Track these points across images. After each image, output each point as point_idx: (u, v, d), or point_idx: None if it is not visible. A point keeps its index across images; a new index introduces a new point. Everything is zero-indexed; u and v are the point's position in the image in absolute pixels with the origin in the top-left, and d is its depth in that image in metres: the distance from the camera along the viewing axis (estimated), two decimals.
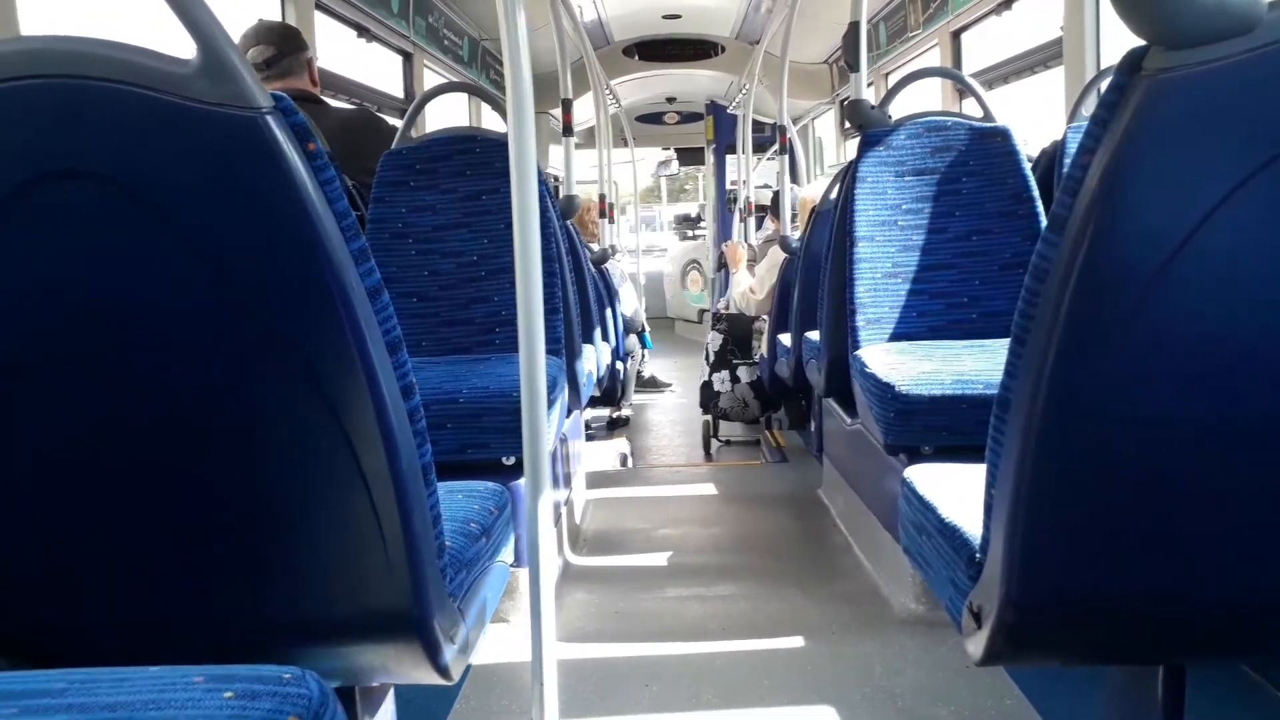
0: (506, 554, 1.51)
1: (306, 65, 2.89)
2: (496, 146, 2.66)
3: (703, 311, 9.53)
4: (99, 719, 0.72)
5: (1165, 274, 0.94)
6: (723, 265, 6.02)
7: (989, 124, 2.66)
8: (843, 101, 6.97)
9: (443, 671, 1.16)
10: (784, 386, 4.15)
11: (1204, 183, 0.92)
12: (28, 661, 1.07)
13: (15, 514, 1.02)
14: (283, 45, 2.83)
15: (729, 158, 9.38)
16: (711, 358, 4.90)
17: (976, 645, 1.20)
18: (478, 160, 2.67)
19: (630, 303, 5.54)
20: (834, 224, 2.80)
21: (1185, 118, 0.91)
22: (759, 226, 6.32)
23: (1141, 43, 0.92)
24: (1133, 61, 0.92)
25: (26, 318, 0.96)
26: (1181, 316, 0.96)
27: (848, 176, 2.72)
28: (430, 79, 4.94)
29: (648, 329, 6.60)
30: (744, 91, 6.84)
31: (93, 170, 0.92)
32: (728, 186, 9.42)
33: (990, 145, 2.61)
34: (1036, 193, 2.59)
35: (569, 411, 2.92)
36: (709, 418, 4.86)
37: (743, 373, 4.81)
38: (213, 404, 1.00)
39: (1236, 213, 0.92)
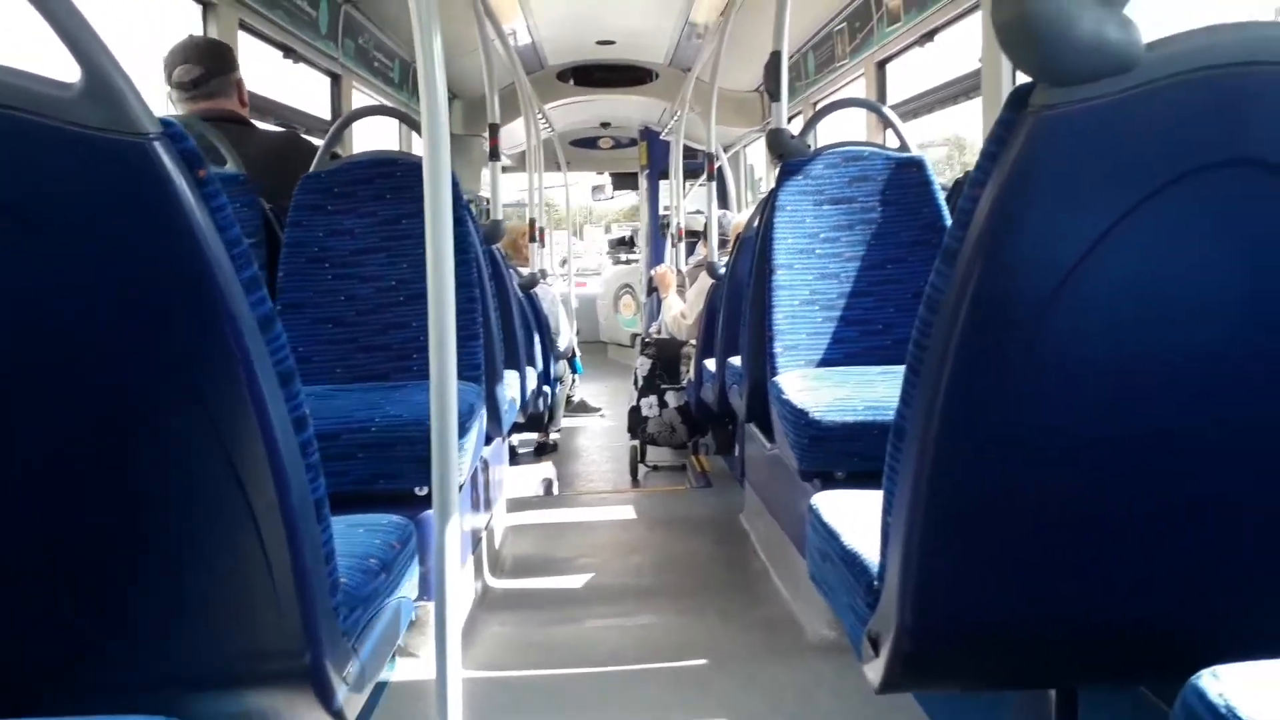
0: (410, 588, 1.48)
1: (236, 86, 2.84)
2: (417, 170, 2.62)
3: (635, 336, 9.53)
4: None
5: (1053, 303, 0.97)
6: (653, 289, 6.04)
7: (905, 154, 2.71)
8: (767, 130, 7.05)
9: (336, 715, 1.13)
10: (710, 412, 4.17)
11: (1088, 215, 0.95)
12: None
13: None
14: (210, 65, 2.78)
15: (662, 183, 9.44)
16: (640, 382, 4.91)
17: (875, 672, 1.21)
18: (398, 184, 2.65)
19: (560, 327, 5.53)
20: (755, 251, 2.83)
21: (1069, 152, 0.94)
22: (690, 252, 6.36)
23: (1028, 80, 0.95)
24: (1019, 97, 0.95)
25: None
26: (1069, 344, 0.99)
27: (768, 205, 2.75)
28: (360, 100, 4.89)
29: (579, 354, 6.58)
30: (675, 118, 6.89)
31: None
32: (660, 212, 9.47)
33: (906, 175, 2.67)
34: (950, 222, 2.64)
35: (489, 439, 2.90)
36: (636, 443, 4.86)
37: (670, 398, 4.82)
38: (96, 435, 0.97)
39: (1120, 244, 0.95)
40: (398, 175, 2.65)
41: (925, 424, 1.04)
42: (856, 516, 1.42)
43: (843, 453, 2.19)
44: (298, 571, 1.02)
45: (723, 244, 4.75)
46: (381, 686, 2.07)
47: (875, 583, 1.21)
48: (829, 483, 2.21)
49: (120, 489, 0.99)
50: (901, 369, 2.51)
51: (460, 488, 1.65)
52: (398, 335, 2.61)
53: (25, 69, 0.91)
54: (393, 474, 2.15)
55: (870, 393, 2.24)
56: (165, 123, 0.92)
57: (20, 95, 0.88)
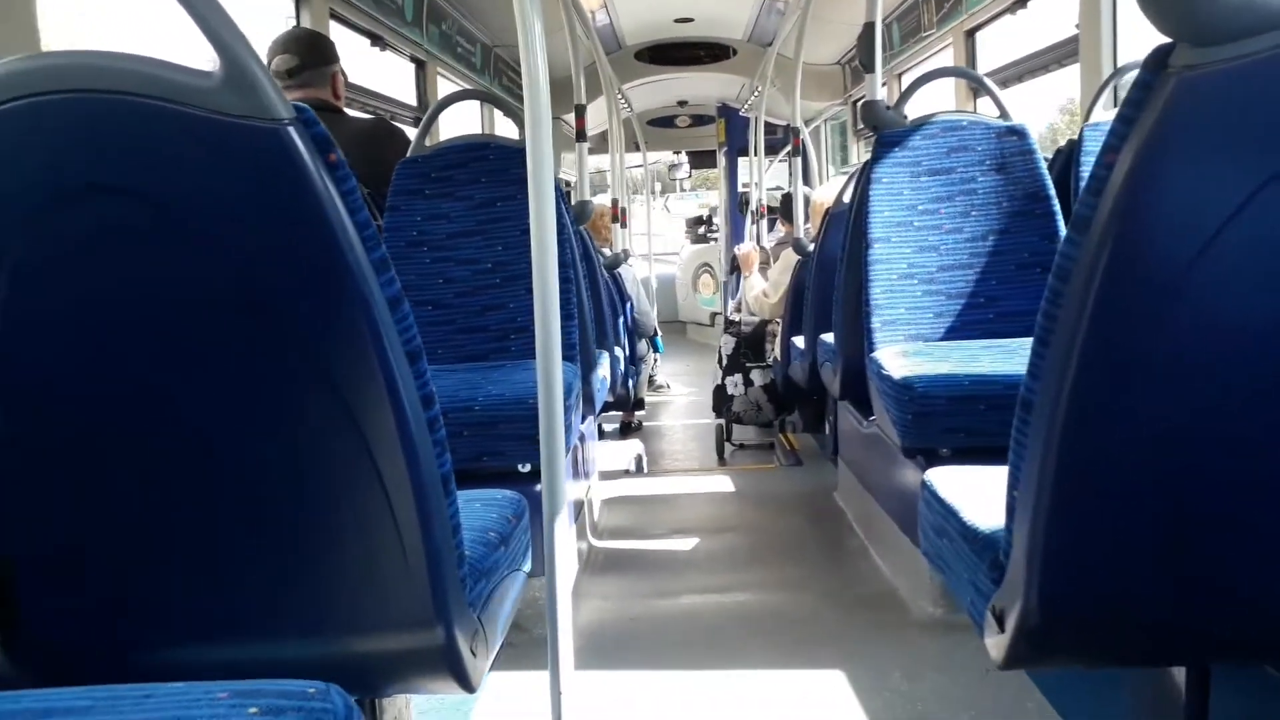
0: (525, 562, 1.51)
1: (331, 78, 2.90)
2: (511, 153, 2.67)
3: (714, 315, 9.51)
4: None
5: (1191, 274, 0.93)
6: (735, 269, 6.01)
7: (1005, 123, 2.65)
8: (855, 102, 6.96)
9: (464, 682, 1.15)
10: (798, 390, 4.14)
11: (1231, 181, 0.91)
12: (51, 679, 1.08)
13: (40, 530, 1.03)
14: (306, 56, 2.84)
15: (741, 160, 9.37)
16: (724, 361, 4.89)
17: (999, 648, 1.19)
18: (492, 167, 2.68)
19: (643, 307, 5.55)
20: (849, 226, 2.79)
21: (1213, 115, 0.90)
22: (770, 229, 6.31)
23: (1166, 40, 0.91)
24: (1159, 58, 0.91)
25: (56, 330, 0.97)
26: (1208, 316, 0.96)
27: (862, 178, 2.71)
28: (443, 86, 4.95)
29: (659, 333, 6.60)
30: (756, 94, 6.83)
31: (115, 184, 0.92)
32: (740, 189, 9.41)
33: (1007, 144, 2.60)
34: (1053, 192, 2.57)
35: (584, 417, 2.92)
36: (722, 421, 4.85)
37: (756, 376, 4.80)
38: (235, 414, 1.00)
39: (1263, 211, 0.91)
40: (491, 159, 2.68)
41: (1055, 397, 1.02)
42: (974, 492, 1.39)
43: (947, 428, 2.15)
44: (428, 544, 1.04)
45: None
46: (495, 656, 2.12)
47: (1000, 558, 1.19)
48: (933, 459, 2.18)
49: (258, 467, 1.02)
50: (1004, 343, 2.48)
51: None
52: (495, 316, 2.65)
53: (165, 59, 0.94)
54: (497, 452, 2.19)
55: (975, 367, 2.20)
56: (298, 108, 0.94)
57: (162, 85, 0.91)
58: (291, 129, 0.92)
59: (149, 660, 1.09)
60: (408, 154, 2.73)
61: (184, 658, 1.10)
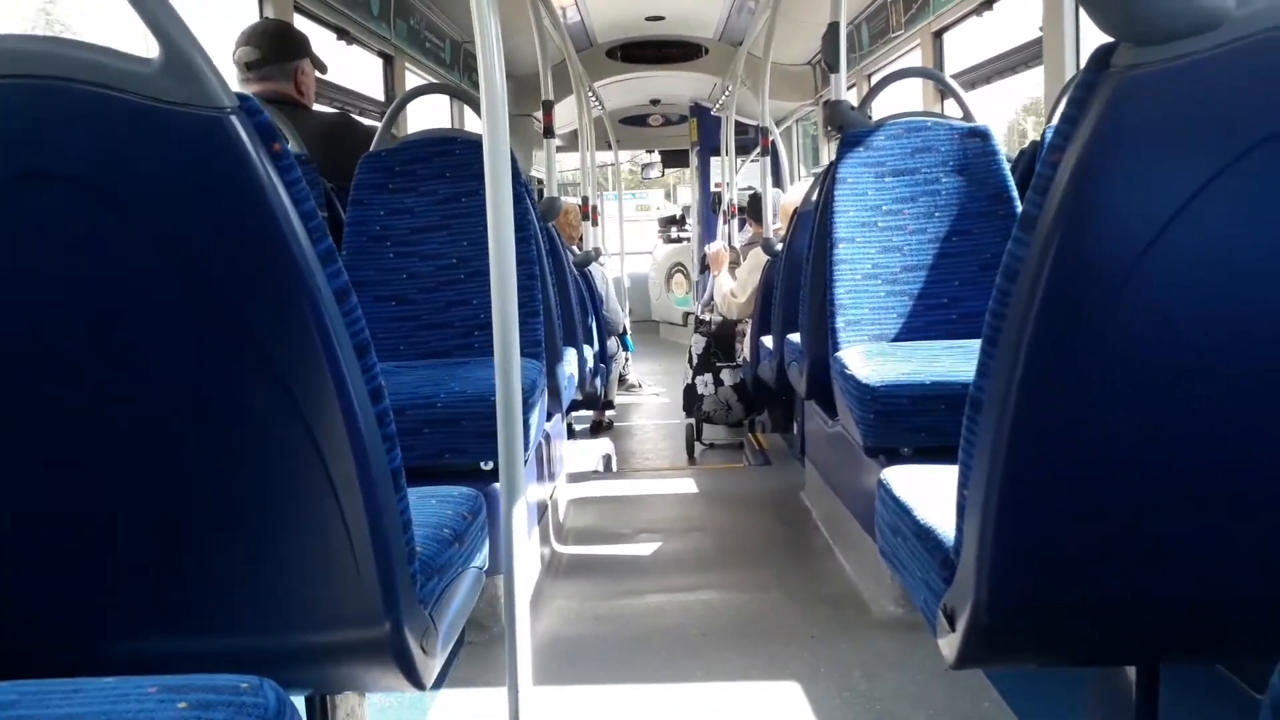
0: (481, 559, 1.50)
1: (294, 73, 2.87)
2: (476, 148, 2.64)
3: (687, 314, 9.53)
4: None
5: (1137, 271, 0.94)
6: (706, 268, 6.02)
7: (969, 124, 2.66)
8: (826, 103, 6.97)
9: (414, 679, 1.14)
10: (767, 389, 4.15)
11: (1174, 179, 0.92)
12: None
13: None
14: (268, 50, 2.81)
15: (713, 160, 9.38)
16: (695, 360, 4.90)
17: (950, 647, 1.20)
18: (457, 162, 2.66)
19: (612, 305, 5.54)
20: (814, 226, 2.80)
21: (1155, 114, 0.91)
22: (741, 229, 6.32)
23: (1110, 40, 0.92)
24: (1101, 58, 0.92)
25: None
26: (1154, 313, 0.96)
27: (828, 178, 2.72)
28: (412, 81, 4.92)
29: (630, 331, 6.59)
30: (727, 93, 6.84)
31: (56, 170, 0.91)
32: (712, 189, 9.42)
33: (970, 145, 2.61)
34: (1016, 193, 2.59)
35: (549, 415, 2.91)
36: (692, 421, 4.85)
37: (726, 375, 4.81)
38: (178, 405, 0.99)
39: (1207, 208, 0.92)
40: (457, 153, 2.67)
41: (1004, 396, 1.02)
42: (929, 491, 1.40)
43: (909, 428, 2.16)
44: (377, 540, 1.03)
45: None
46: (453, 655, 2.10)
47: (951, 557, 1.19)
48: (894, 459, 2.18)
49: (201, 460, 1.00)
50: (966, 343, 2.49)
51: (525, 462, 1.66)
52: (459, 312, 2.63)
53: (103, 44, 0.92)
54: (458, 449, 2.17)
55: (937, 367, 2.21)
56: (241, 97, 0.93)
57: (101, 71, 0.90)
58: (234, 117, 0.91)
59: (82, 657, 1.07)
60: (371, 148, 2.71)
61: (120, 653, 1.08)
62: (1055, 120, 2.98)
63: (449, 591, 1.28)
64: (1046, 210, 0.96)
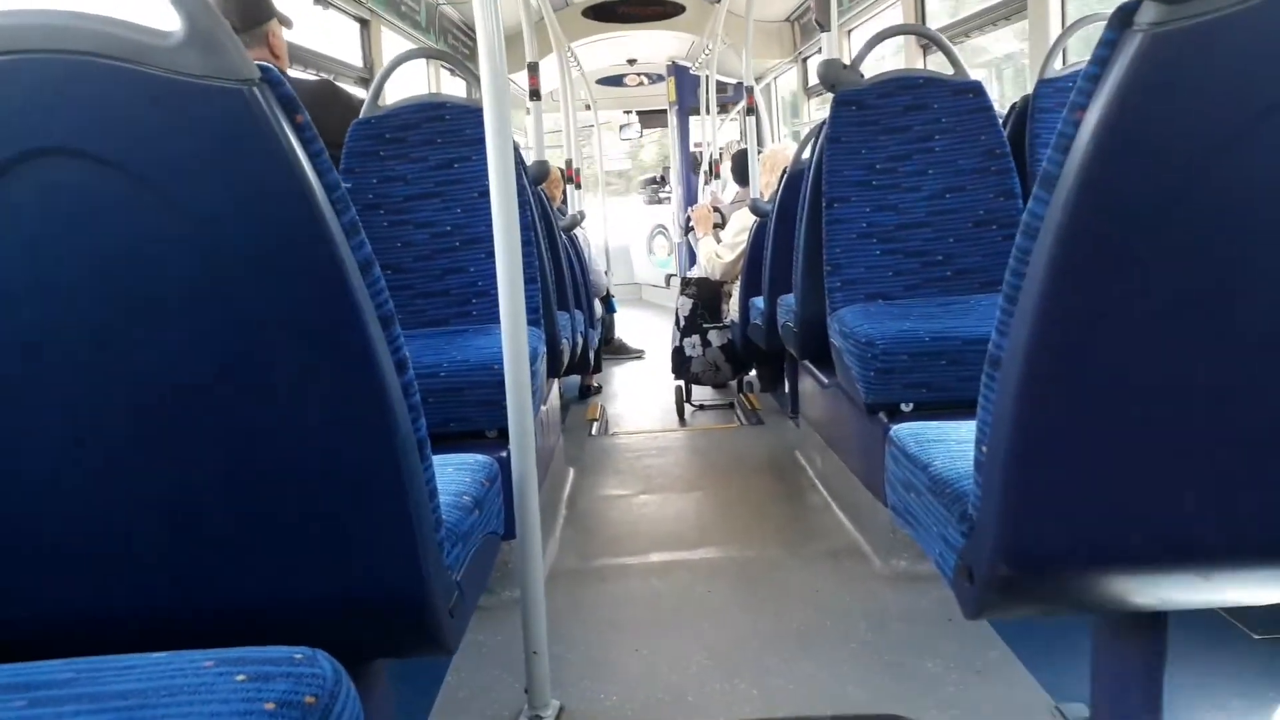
0: (496, 525, 1.51)
1: (265, 37, 2.82)
2: (466, 114, 2.63)
3: (669, 276, 9.51)
4: (112, 708, 0.71)
5: (1162, 228, 0.95)
6: (690, 229, 6.00)
7: (961, 80, 2.66)
8: (805, 59, 6.94)
9: (443, 645, 1.15)
10: (756, 350, 4.17)
11: (1197, 137, 0.92)
12: (28, 653, 1.06)
13: (13, 498, 1.01)
14: (238, 17, 2.75)
15: (692, 119, 9.32)
16: (682, 322, 4.90)
17: (968, 599, 1.22)
18: (448, 128, 2.64)
19: (595, 267, 5.52)
20: (807, 185, 2.80)
21: (1179, 72, 0.91)
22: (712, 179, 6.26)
23: None
24: (1124, 16, 0.92)
25: (19, 297, 0.94)
26: (1175, 272, 0.97)
27: (820, 137, 2.71)
28: (388, 46, 4.85)
29: (613, 294, 6.58)
30: (707, 51, 6.78)
31: (77, 146, 0.90)
32: (691, 148, 9.37)
33: (963, 102, 2.61)
34: (1009, 149, 2.60)
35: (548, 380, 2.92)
36: (681, 383, 4.86)
37: (714, 336, 4.81)
38: (208, 381, 0.99)
39: (1233, 165, 0.92)
40: (447, 119, 2.64)
41: (1024, 353, 1.04)
42: (941, 447, 1.41)
43: (909, 384, 2.18)
44: (408, 509, 1.04)
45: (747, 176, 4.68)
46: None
47: (969, 510, 1.21)
48: (895, 415, 2.21)
49: (236, 431, 1.00)
50: (962, 299, 2.50)
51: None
52: (456, 280, 2.62)
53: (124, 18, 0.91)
54: (463, 417, 2.18)
55: (934, 324, 2.23)
56: (264, 69, 0.92)
57: (122, 45, 0.89)
58: (256, 90, 0.90)
59: (121, 632, 1.08)
60: (360, 114, 2.68)
61: (158, 628, 1.08)
62: (1046, 75, 2.99)
63: (473, 557, 1.29)
64: (1067, 169, 0.96)
